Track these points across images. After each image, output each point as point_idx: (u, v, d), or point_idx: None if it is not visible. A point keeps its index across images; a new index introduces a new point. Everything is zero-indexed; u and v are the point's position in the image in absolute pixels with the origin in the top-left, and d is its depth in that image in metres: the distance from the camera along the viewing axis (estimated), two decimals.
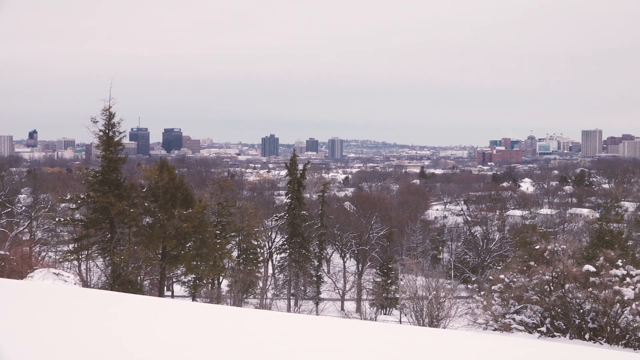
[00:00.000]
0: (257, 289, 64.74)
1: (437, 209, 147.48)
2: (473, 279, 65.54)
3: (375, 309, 64.45)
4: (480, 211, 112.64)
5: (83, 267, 53.40)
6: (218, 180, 68.48)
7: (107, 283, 42.58)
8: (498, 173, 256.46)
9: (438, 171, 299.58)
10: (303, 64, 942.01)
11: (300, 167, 73.44)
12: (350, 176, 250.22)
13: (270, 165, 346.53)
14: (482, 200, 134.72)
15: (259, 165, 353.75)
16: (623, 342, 27.95)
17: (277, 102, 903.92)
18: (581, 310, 29.32)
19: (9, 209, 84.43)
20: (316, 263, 75.99)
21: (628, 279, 29.04)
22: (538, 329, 29.55)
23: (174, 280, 66.82)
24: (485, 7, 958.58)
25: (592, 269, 29.56)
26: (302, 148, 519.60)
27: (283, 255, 73.95)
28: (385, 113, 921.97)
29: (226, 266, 57.96)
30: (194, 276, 56.98)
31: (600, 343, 27.94)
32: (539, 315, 30.51)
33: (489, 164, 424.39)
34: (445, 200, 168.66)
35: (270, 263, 78.90)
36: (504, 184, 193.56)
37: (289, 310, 63.41)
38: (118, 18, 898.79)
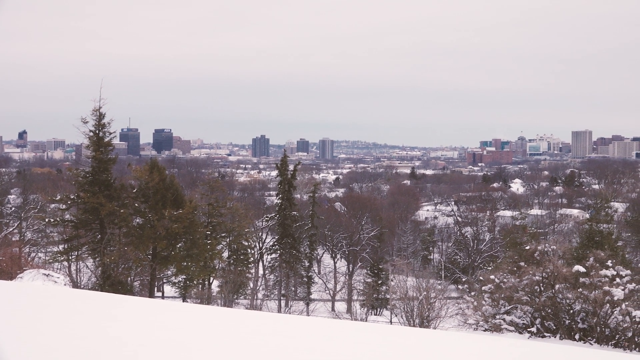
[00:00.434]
0: (247, 290, 64.66)
1: (428, 210, 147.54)
2: (463, 279, 65.53)
3: (365, 309, 64.45)
4: (470, 212, 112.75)
5: (73, 268, 53.24)
6: (208, 180, 68.34)
7: (97, 284, 42.43)
8: (488, 174, 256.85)
9: (428, 172, 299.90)
10: (294, 65, 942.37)
11: (291, 167, 73.36)
12: (340, 177, 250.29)
13: (261, 166, 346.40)
14: (473, 200, 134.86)
15: (250, 166, 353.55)
16: (613, 342, 28.03)
17: (268, 102, 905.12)
18: (571, 311, 29.39)
19: None
20: (307, 264, 75.93)
21: (618, 280, 29.11)
22: (528, 330, 29.61)
23: (164, 281, 66.69)
24: (477, 9, 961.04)
25: (582, 269, 29.63)
26: (292, 149, 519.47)
27: (274, 255, 73.85)
28: (376, 114, 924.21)
29: (217, 267, 57.87)
30: (184, 277, 56.84)
31: (590, 343, 28.02)
32: (529, 315, 30.57)
33: (480, 164, 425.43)
34: (435, 201, 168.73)
35: (260, 264, 78.80)
36: (494, 185, 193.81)
37: (279, 311, 63.36)
38: (109, 18, 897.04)
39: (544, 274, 30.20)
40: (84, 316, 14.34)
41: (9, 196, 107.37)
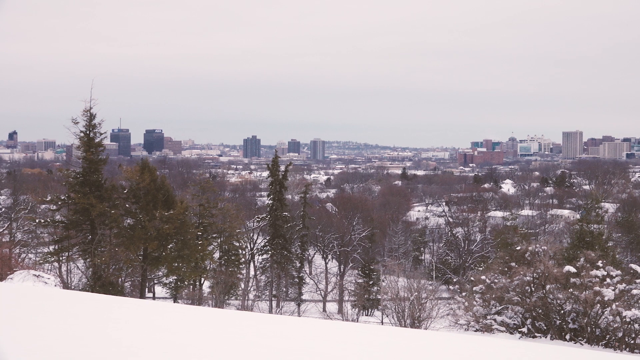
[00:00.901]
0: (238, 291, 64.65)
1: (419, 210, 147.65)
2: (454, 280, 65.56)
3: (357, 310, 64.53)
4: (461, 212, 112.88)
5: (64, 268, 53.06)
6: (200, 181, 68.28)
7: (87, 285, 42.37)
8: (479, 174, 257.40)
9: (420, 172, 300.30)
10: (285, 65, 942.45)
11: (282, 168, 73.31)
12: (332, 177, 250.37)
13: (252, 167, 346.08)
14: (464, 201, 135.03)
15: (241, 167, 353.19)
16: (603, 342, 28.11)
17: (259, 103, 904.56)
18: (562, 311, 29.46)
19: None
20: (298, 264, 75.92)
21: (608, 280, 29.20)
22: (519, 330, 29.65)
23: (155, 281, 66.54)
24: (468, 9, 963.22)
25: (572, 269, 29.69)
26: (284, 149, 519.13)
27: (265, 256, 73.76)
28: (367, 114, 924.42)
29: (208, 267, 57.80)
30: (175, 278, 56.74)
31: (581, 343, 28.09)
32: (520, 316, 30.63)
33: (471, 165, 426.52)
34: (427, 202, 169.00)
35: (252, 264, 78.74)
36: (485, 185, 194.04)
37: (270, 311, 63.35)
38: (99, 19, 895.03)
39: (534, 274, 30.26)
40: (78, 319, 14.30)
41: None
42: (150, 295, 66.59)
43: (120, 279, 45.40)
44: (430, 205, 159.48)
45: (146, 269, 46.20)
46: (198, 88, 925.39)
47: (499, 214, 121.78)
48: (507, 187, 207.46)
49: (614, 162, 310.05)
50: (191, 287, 58.22)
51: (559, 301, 29.60)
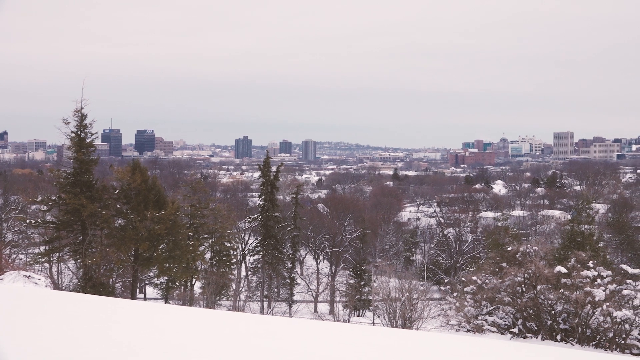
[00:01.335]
0: (230, 291, 64.54)
1: (410, 211, 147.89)
2: (446, 280, 65.62)
3: (348, 310, 64.54)
4: (453, 213, 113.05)
5: (54, 269, 52.88)
6: (191, 182, 68.17)
7: (78, 285, 42.25)
8: (471, 175, 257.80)
9: (411, 173, 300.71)
10: (277, 66, 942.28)
11: (274, 168, 73.30)
12: (323, 178, 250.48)
13: (244, 167, 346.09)
14: (455, 202, 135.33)
15: (232, 167, 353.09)
16: (594, 342, 28.17)
17: (251, 103, 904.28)
18: (553, 312, 29.50)
19: None
20: (289, 265, 75.89)
21: (599, 280, 29.25)
22: (510, 330, 29.69)
23: (146, 282, 66.40)
24: (462, 11, 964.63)
25: (563, 270, 29.73)
26: (275, 150, 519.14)
27: (256, 257, 73.69)
28: (358, 115, 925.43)
29: (199, 268, 57.73)
30: (166, 278, 56.66)
31: (572, 344, 28.15)
32: (511, 316, 30.66)
33: (462, 166, 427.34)
34: (418, 202, 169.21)
35: (243, 265, 78.61)
36: (477, 186, 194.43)
37: (262, 312, 63.30)
38: (91, 18, 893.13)
39: (525, 275, 30.29)
40: (75, 319, 14.26)
41: None
42: (142, 296, 66.47)
43: (111, 280, 45.27)
44: (421, 206, 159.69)
45: (137, 270, 46.10)
46: (190, 88, 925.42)
47: (490, 214, 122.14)
48: (499, 187, 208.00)
49: (604, 163, 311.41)
50: (182, 287, 58.17)
51: (550, 302, 29.64)
